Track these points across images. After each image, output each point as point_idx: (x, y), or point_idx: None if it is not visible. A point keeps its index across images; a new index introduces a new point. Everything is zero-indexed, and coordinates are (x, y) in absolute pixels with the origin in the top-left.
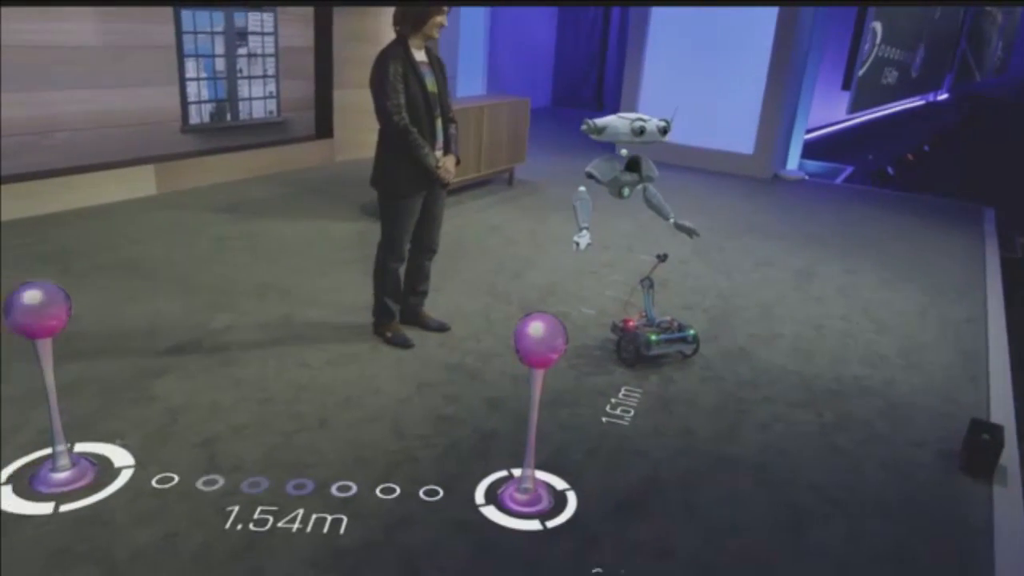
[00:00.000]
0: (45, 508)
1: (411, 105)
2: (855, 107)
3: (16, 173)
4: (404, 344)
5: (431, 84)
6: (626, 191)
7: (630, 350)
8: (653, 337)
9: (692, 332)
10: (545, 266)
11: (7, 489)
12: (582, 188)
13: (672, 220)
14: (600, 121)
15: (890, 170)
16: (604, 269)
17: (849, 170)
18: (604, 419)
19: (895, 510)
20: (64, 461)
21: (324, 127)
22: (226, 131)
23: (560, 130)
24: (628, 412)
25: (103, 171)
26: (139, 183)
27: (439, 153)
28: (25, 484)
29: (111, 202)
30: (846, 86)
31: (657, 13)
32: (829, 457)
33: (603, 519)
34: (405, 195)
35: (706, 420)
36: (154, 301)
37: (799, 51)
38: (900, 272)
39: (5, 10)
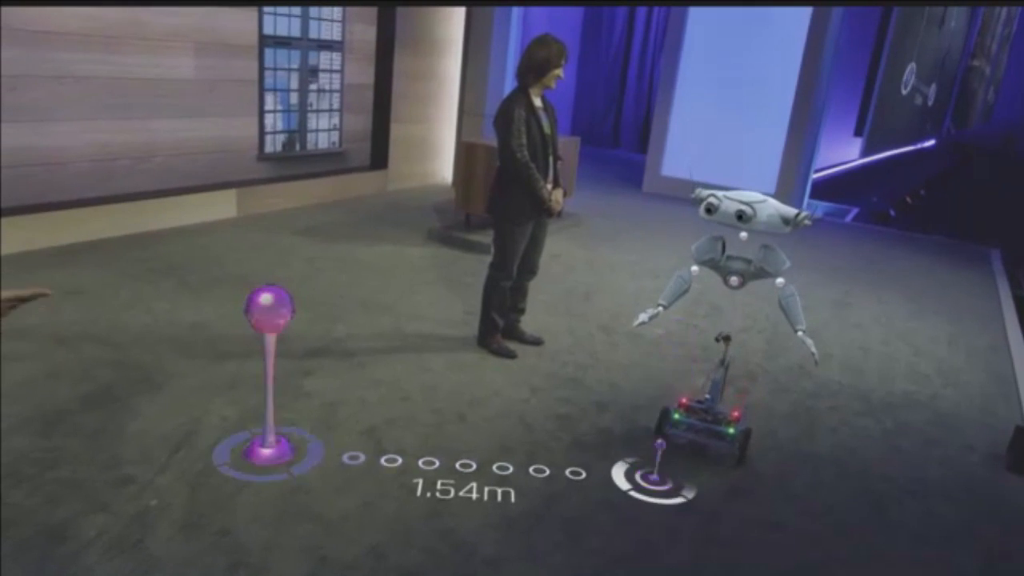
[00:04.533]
0: (260, 477)
1: (530, 145)
2: (867, 151)
3: (123, 193)
4: (508, 355)
5: (546, 127)
6: (733, 280)
7: (658, 423)
8: (676, 416)
9: (732, 431)
10: (607, 291)
11: (229, 461)
12: (694, 268)
13: (799, 333)
14: (704, 192)
15: (892, 212)
16: (659, 295)
17: (855, 211)
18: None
19: (959, 498)
20: (271, 439)
21: (379, 158)
22: (294, 160)
23: (584, 165)
24: None
25: (193, 194)
26: (223, 206)
27: (550, 186)
28: (239, 457)
29: (199, 222)
30: (858, 132)
31: (687, 58)
32: (894, 456)
33: (719, 500)
34: (520, 222)
35: (784, 424)
36: None
37: (818, 99)
38: (925, 304)
39: (117, 45)
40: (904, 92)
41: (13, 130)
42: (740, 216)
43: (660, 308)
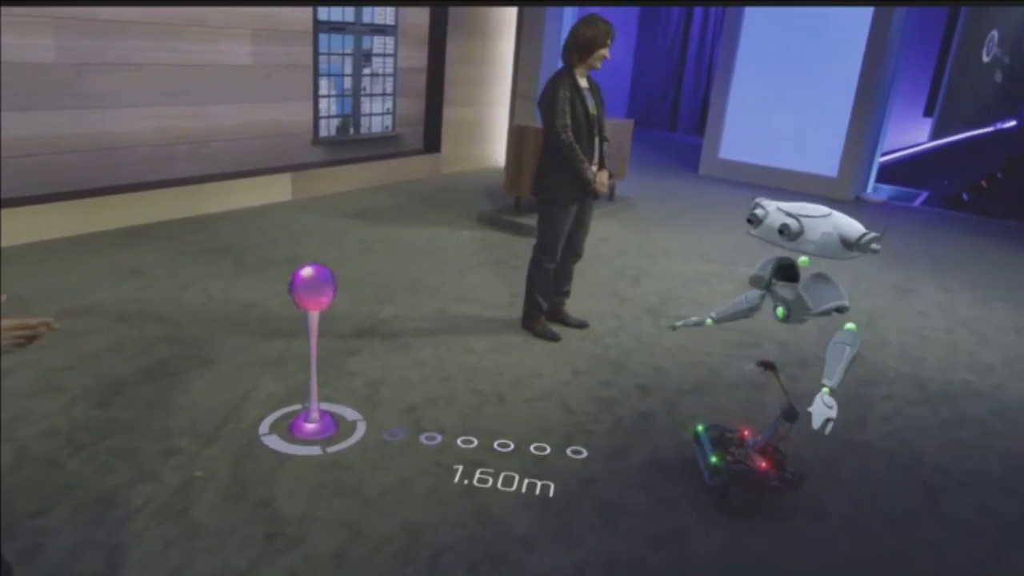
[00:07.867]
0: (302, 451)
1: (575, 125)
2: (937, 132)
3: (182, 177)
4: (552, 337)
5: (592, 107)
6: (780, 311)
7: (701, 467)
8: (714, 459)
9: (715, 460)
10: (657, 274)
11: (273, 435)
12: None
13: (824, 389)
14: (766, 203)
15: (965, 196)
16: (712, 279)
17: (925, 195)
18: (742, 407)
19: (1019, 493)
20: (315, 415)
21: (432, 142)
22: (348, 144)
23: (640, 149)
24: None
25: (250, 177)
26: (278, 189)
27: (595, 168)
28: (285, 431)
29: (256, 205)
30: (928, 113)
31: (746, 37)
32: (951, 446)
33: None
34: (564, 203)
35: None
36: None
37: (885, 78)
38: (991, 291)
39: (177, 33)
40: (986, 60)
41: (79, 116)
42: (783, 231)
43: (708, 320)
